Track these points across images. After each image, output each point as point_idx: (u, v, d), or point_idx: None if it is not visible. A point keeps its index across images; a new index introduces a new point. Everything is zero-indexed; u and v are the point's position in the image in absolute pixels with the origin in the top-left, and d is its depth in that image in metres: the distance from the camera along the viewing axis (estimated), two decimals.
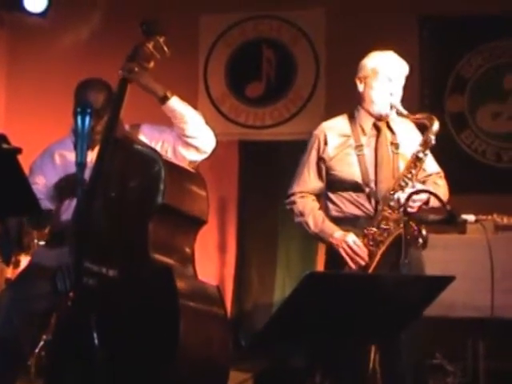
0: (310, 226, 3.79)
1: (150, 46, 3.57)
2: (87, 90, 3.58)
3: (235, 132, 6.44)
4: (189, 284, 3.21)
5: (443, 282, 2.84)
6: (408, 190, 3.63)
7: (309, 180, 3.85)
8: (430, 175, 3.91)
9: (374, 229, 3.67)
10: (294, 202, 3.86)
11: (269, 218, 6.29)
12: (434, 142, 3.72)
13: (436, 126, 3.71)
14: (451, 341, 4.85)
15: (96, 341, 3.07)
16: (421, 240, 3.41)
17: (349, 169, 3.76)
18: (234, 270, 6.33)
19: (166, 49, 3.60)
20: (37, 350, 4.92)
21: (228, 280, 6.33)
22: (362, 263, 3.63)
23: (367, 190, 3.72)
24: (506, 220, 4.86)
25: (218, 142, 6.19)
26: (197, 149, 3.61)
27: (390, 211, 3.67)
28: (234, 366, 4.83)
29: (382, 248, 3.64)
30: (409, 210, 3.46)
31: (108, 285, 3.20)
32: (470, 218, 3.77)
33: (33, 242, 5.21)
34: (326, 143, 3.82)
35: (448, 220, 3.55)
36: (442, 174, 3.96)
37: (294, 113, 6.36)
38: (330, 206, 3.83)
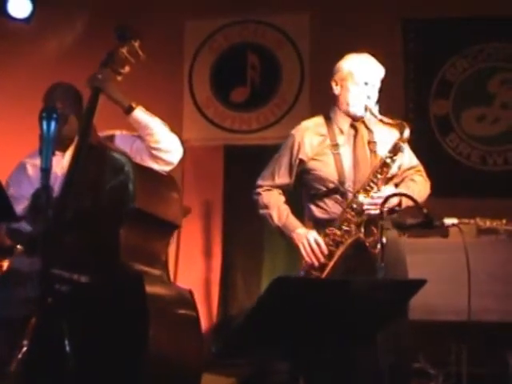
0: (273, 219, 3.84)
1: (125, 50, 3.56)
2: (54, 94, 3.60)
3: (220, 137, 6.42)
4: (160, 289, 3.21)
5: (415, 285, 2.83)
6: (374, 195, 3.65)
7: (277, 176, 3.89)
8: (409, 169, 3.93)
9: (336, 229, 3.70)
10: (259, 194, 3.91)
11: (254, 223, 6.25)
12: (403, 149, 3.73)
13: (407, 133, 3.72)
14: (434, 345, 4.84)
15: (67, 347, 3.06)
16: (379, 245, 3.39)
17: (326, 168, 3.79)
18: (219, 274, 6.31)
19: (140, 53, 3.59)
20: (19, 356, 4.89)
21: (214, 285, 6.31)
22: (316, 263, 3.68)
23: (341, 189, 3.74)
24: (488, 223, 4.85)
25: (203, 147, 6.32)
26: (163, 160, 3.59)
27: (352, 213, 3.69)
28: (216, 371, 4.85)
29: (341, 249, 3.66)
30: (372, 212, 3.50)
31: (80, 291, 3.18)
32: (452, 221, 3.77)
33: (15, 247, 5.17)
34: (303, 144, 3.85)
35: (425, 224, 3.54)
36: (421, 168, 3.97)
37: (280, 117, 6.33)
38: (314, 208, 3.85)
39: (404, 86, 6.03)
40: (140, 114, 3.56)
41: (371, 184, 3.69)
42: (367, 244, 3.58)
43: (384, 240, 3.30)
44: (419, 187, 3.87)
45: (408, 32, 6.10)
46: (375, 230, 3.45)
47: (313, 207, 3.85)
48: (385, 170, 3.71)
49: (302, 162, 3.85)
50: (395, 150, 3.72)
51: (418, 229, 3.78)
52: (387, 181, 3.77)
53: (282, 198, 3.91)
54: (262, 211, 3.90)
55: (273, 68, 6.38)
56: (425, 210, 3.49)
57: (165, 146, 3.56)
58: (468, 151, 5.99)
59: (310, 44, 6.27)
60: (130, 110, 3.54)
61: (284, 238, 3.87)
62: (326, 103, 5.78)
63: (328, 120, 3.89)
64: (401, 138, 3.72)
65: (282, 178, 3.89)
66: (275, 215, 3.83)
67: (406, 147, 3.85)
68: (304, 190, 3.92)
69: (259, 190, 3.92)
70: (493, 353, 4.89)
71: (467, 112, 6.02)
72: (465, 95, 6.03)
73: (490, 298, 4.66)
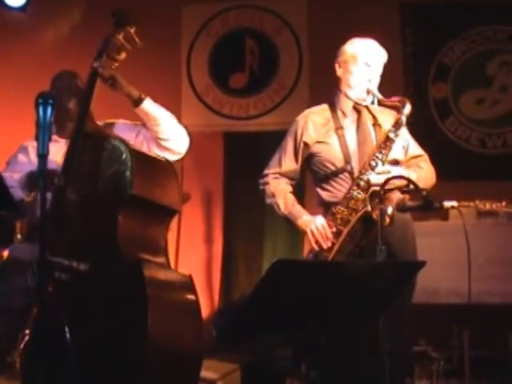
0: (280, 207, 3.89)
1: (121, 37, 3.53)
2: (62, 80, 3.61)
3: (219, 123, 6.40)
4: (159, 275, 3.19)
5: (414, 267, 2.83)
6: (379, 169, 3.71)
7: (284, 162, 3.94)
8: (415, 157, 3.98)
9: (343, 208, 3.75)
10: (266, 183, 3.96)
11: (255, 209, 6.25)
12: (404, 123, 3.81)
13: (407, 107, 3.80)
14: (435, 327, 4.84)
15: (68, 335, 3.05)
16: (387, 218, 3.42)
17: (331, 150, 3.85)
18: (220, 260, 6.31)
19: (137, 39, 3.56)
20: (21, 345, 4.89)
21: (215, 271, 6.31)
22: (324, 246, 3.71)
23: (348, 168, 3.79)
24: (488, 206, 4.85)
25: (202, 134, 6.29)
26: (171, 151, 3.63)
27: (359, 191, 3.74)
28: (219, 357, 4.86)
29: (349, 226, 3.72)
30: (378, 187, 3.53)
31: (80, 279, 3.18)
32: (452, 203, 3.77)
33: (15, 237, 5.17)
34: (307, 127, 3.90)
35: (424, 206, 3.55)
36: (427, 157, 4.04)
37: (278, 103, 6.31)
38: (321, 192, 3.91)
39: (403, 71, 6.01)
40: (149, 105, 3.56)
41: (376, 160, 3.75)
42: (374, 217, 3.59)
43: (387, 219, 3.34)
44: (425, 173, 3.95)
45: (406, 17, 6.07)
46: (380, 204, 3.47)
47: (320, 191, 3.91)
48: (388, 144, 3.77)
49: (306, 145, 3.90)
50: (397, 125, 3.79)
51: (418, 211, 3.80)
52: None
53: (289, 188, 3.96)
54: (268, 200, 3.95)
55: (271, 53, 6.35)
56: (424, 193, 3.51)
57: (173, 137, 3.59)
58: (467, 134, 5.98)
59: (308, 29, 6.24)
60: (139, 101, 3.54)
61: (290, 225, 3.92)
62: (324, 88, 5.78)
63: (332, 106, 3.95)
64: (402, 112, 3.80)
65: (289, 163, 3.93)
66: (282, 204, 3.89)
67: (411, 138, 3.95)
68: (312, 176, 3.97)
69: (266, 179, 3.97)
70: (494, 334, 4.89)
71: (466, 95, 6.01)
72: (463, 78, 6.01)
73: (490, 279, 4.68)
